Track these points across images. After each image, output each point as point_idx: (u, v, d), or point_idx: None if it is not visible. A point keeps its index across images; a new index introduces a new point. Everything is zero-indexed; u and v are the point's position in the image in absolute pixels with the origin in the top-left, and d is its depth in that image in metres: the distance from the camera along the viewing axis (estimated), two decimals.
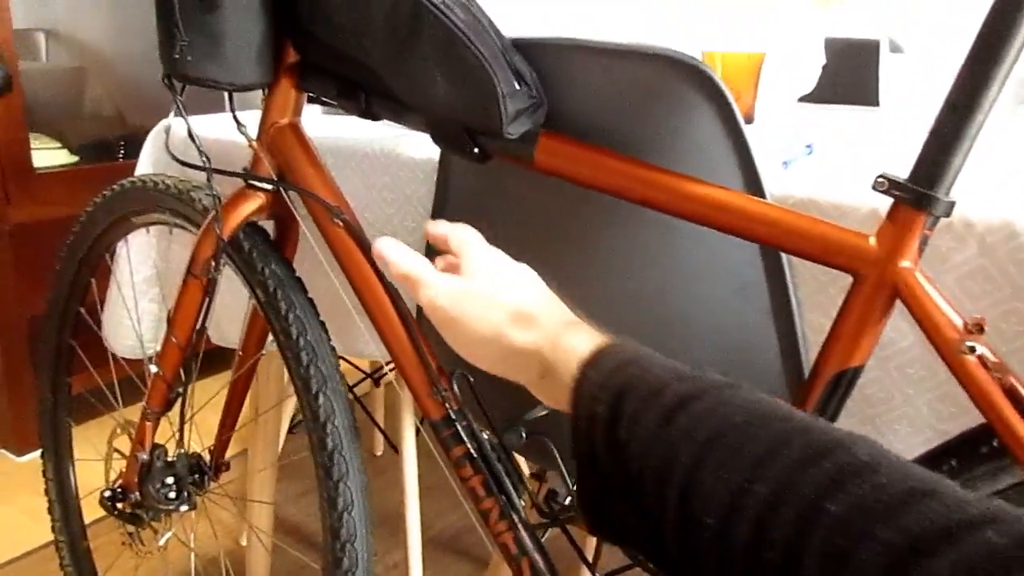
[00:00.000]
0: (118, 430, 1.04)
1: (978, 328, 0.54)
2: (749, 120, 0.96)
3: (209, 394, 1.01)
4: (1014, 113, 1.04)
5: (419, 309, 0.61)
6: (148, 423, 0.96)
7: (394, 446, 1.47)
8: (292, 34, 0.78)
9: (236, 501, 1.34)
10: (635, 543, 0.46)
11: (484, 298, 0.53)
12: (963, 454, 0.57)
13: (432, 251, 0.63)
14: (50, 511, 1.25)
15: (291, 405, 1.53)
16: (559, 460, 0.74)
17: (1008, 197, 0.67)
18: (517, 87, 0.65)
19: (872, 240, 0.57)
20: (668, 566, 0.44)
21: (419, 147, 0.95)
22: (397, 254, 0.57)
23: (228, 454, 1.04)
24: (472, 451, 0.74)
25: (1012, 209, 0.63)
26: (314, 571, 1.44)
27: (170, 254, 1.18)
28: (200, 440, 1.00)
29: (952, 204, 0.54)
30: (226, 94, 0.80)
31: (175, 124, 1.10)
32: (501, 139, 0.66)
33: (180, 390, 0.94)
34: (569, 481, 0.77)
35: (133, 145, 1.99)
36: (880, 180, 0.56)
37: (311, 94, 0.83)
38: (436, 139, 0.74)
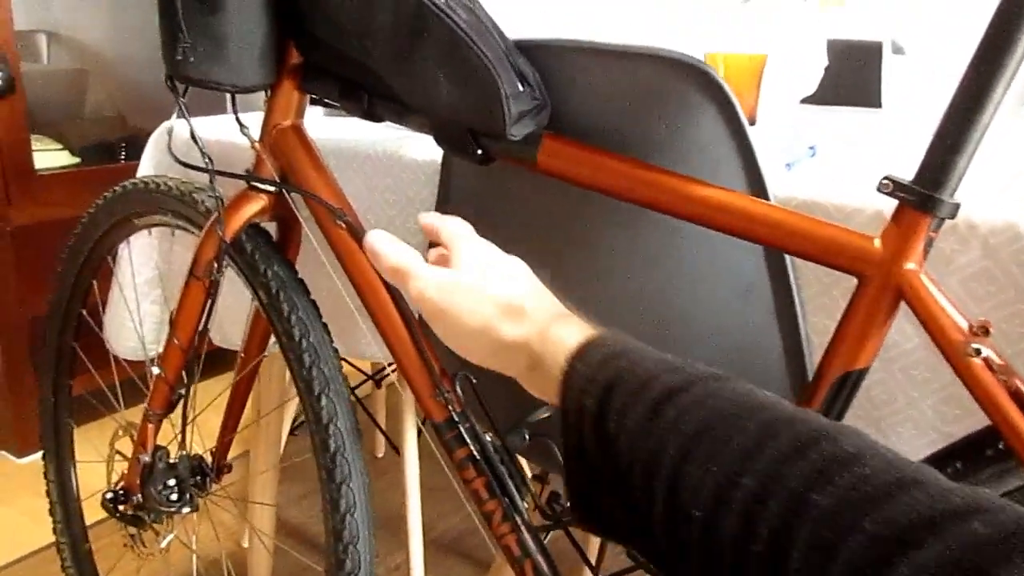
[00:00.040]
0: (120, 432, 1.04)
1: (983, 330, 0.53)
2: (751, 122, 0.96)
3: (210, 396, 1.01)
4: (1017, 115, 1.04)
5: None
6: (150, 425, 0.96)
7: (396, 448, 1.47)
8: (295, 36, 0.78)
9: (238, 503, 1.34)
10: (624, 536, 0.46)
11: (473, 290, 0.52)
12: (968, 457, 0.57)
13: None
14: (51, 513, 1.25)
15: (292, 407, 1.53)
16: (562, 462, 0.74)
17: (1012, 199, 0.67)
18: (520, 88, 0.65)
19: (877, 242, 0.57)
20: (657, 559, 0.44)
21: (421, 149, 0.95)
22: (387, 247, 0.56)
23: (229, 456, 1.04)
24: (475, 453, 0.73)
25: (1016, 211, 0.63)
26: (316, 573, 1.44)
27: (172, 256, 1.18)
28: (202, 442, 1.00)
29: (957, 206, 0.54)
30: (228, 96, 0.80)
31: (177, 126, 1.10)
32: (504, 141, 0.66)
33: (182, 392, 0.94)
34: None
35: (134, 147, 1.99)
36: (885, 182, 0.55)
37: (313, 96, 0.83)
38: (439, 141, 0.74)
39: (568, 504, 0.65)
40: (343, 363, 0.89)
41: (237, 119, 0.81)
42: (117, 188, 0.99)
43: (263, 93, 0.83)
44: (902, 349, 0.68)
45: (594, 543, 1.25)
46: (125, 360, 1.23)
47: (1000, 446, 0.55)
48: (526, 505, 0.73)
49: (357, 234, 0.76)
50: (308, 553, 1.55)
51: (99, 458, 1.08)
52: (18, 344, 1.77)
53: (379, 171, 0.98)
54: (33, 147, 1.74)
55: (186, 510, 0.97)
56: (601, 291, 0.77)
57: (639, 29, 1.32)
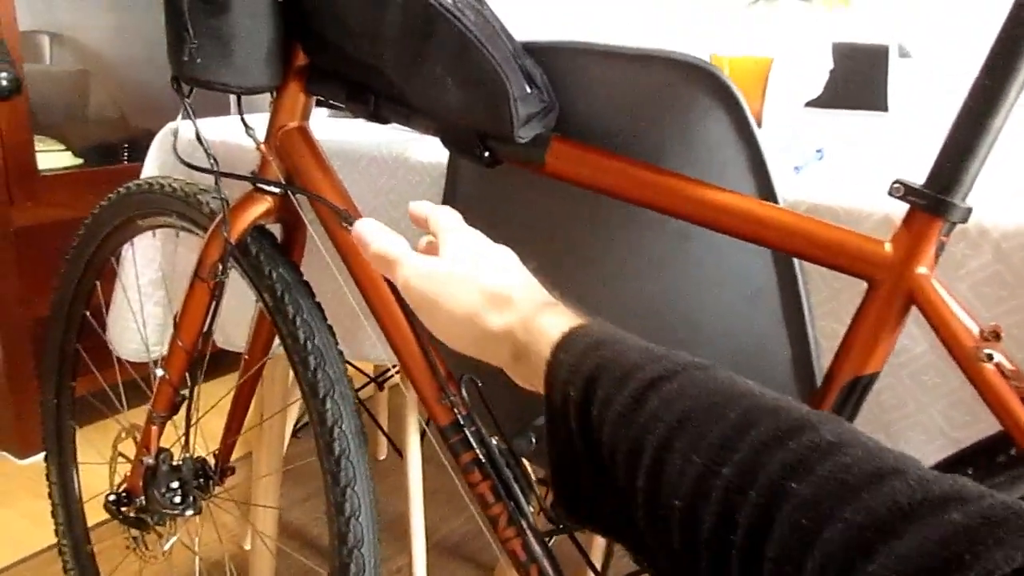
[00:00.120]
0: (122, 434, 1.03)
1: (994, 335, 0.53)
2: (757, 125, 0.95)
3: (213, 397, 1.01)
4: None
5: None
6: (154, 427, 0.96)
7: (399, 451, 1.46)
8: (301, 37, 0.78)
9: (240, 505, 1.34)
10: (609, 526, 0.46)
11: (460, 279, 0.52)
12: (980, 463, 0.56)
13: None
14: (53, 515, 1.25)
15: (295, 409, 1.53)
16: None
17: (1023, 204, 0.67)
18: (528, 90, 0.65)
19: (888, 246, 0.56)
20: (640, 549, 0.44)
21: (427, 151, 0.95)
22: (374, 234, 0.56)
23: (232, 458, 1.04)
24: (481, 457, 0.73)
25: None
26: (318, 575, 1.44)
27: (176, 257, 1.18)
28: (205, 444, 1.00)
29: (969, 210, 0.54)
30: (234, 97, 0.80)
31: (182, 127, 1.10)
32: (512, 143, 0.66)
33: (185, 394, 0.94)
34: None
35: (137, 148, 1.99)
36: (896, 186, 0.55)
37: (320, 97, 0.83)
38: (446, 143, 0.74)
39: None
40: (346, 365, 0.88)
41: (243, 120, 0.81)
42: (121, 189, 0.99)
43: (268, 95, 0.83)
44: (912, 354, 0.67)
45: (598, 547, 1.25)
46: (128, 361, 1.22)
47: (1012, 452, 0.55)
48: (531, 509, 0.73)
49: None
50: (310, 555, 1.54)
51: (101, 460, 1.08)
52: (20, 345, 1.76)
53: (384, 173, 0.98)
54: (36, 148, 1.74)
55: (189, 513, 0.97)
56: (607, 295, 0.77)
57: (642, 31, 1.32)
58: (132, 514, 1.00)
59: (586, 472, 0.45)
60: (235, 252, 0.85)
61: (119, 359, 1.22)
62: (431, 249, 0.56)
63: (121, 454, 1.04)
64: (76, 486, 1.24)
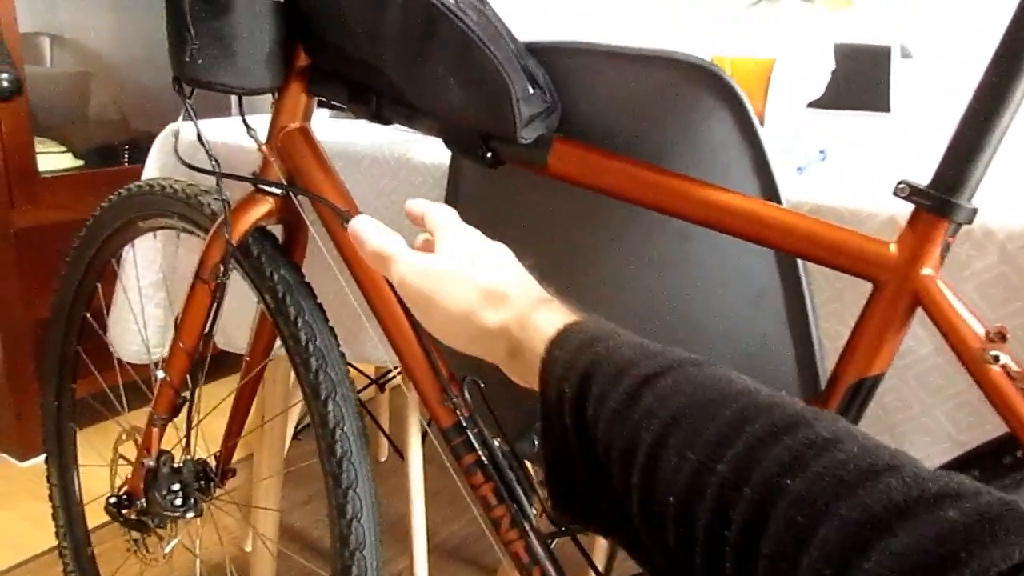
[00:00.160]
0: (123, 436, 1.03)
1: (1000, 337, 0.53)
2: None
3: (213, 399, 1.00)
4: None
5: None
6: (155, 429, 0.95)
7: (400, 452, 1.46)
8: (303, 38, 0.78)
9: (241, 507, 1.34)
10: (604, 524, 0.46)
11: (455, 276, 0.52)
12: (986, 465, 0.56)
13: None
14: (54, 517, 1.24)
15: (296, 411, 1.53)
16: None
17: None
18: (531, 91, 0.65)
19: (893, 247, 0.56)
20: (635, 546, 0.43)
21: (429, 152, 0.95)
22: (370, 231, 0.56)
23: (232, 460, 1.03)
24: (483, 459, 0.73)
25: None
26: None
27: (177, 259, 1.18)
28: (206, 446, 0.99)
29: (975, 211, 0.54)
30: (235, 98, 0.80)
31: (183, 128, 1.10)
32: (514, 144, 0.66)
33: (186, 395, 0.94)
34: None
35: (137, 150, 1.99)
36: (901, 186, 0.55)
37: (321, 98, 0.82)
38: (448, 144, 0.74)
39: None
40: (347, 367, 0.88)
41: (244, 121, 0.81)
42: (122, 191, 0.99)
43: (269, 96, 0.82)
44: (917, 355, 0.67)
45: (601, 549, 1.24)
46: (128, 363, 1.22)
47: (1018, 454, 0.54)
48: (534, 511, 0.73)
49: None
50: (311, 558, 1.54)
51: (102, 462, 1.07)
52: (21, 347, 1.76)
53: (386, 174, 0.97)
54: (36, 150, 1.74)
55: (190, 515, 0.96)
56: (609, 296, 0.77)
57: (644, 32, 1.32)
58: (133, 516, 1.00)
59: (581, 469, 0.45)
60: (236, 253, 0.84)
61: (120, 361, 1.21)
62: (428, 247, 0.56)
63: (122, 456, 1.04)
64: (77, 488, 1.24)
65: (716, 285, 0.70)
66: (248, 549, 1.54)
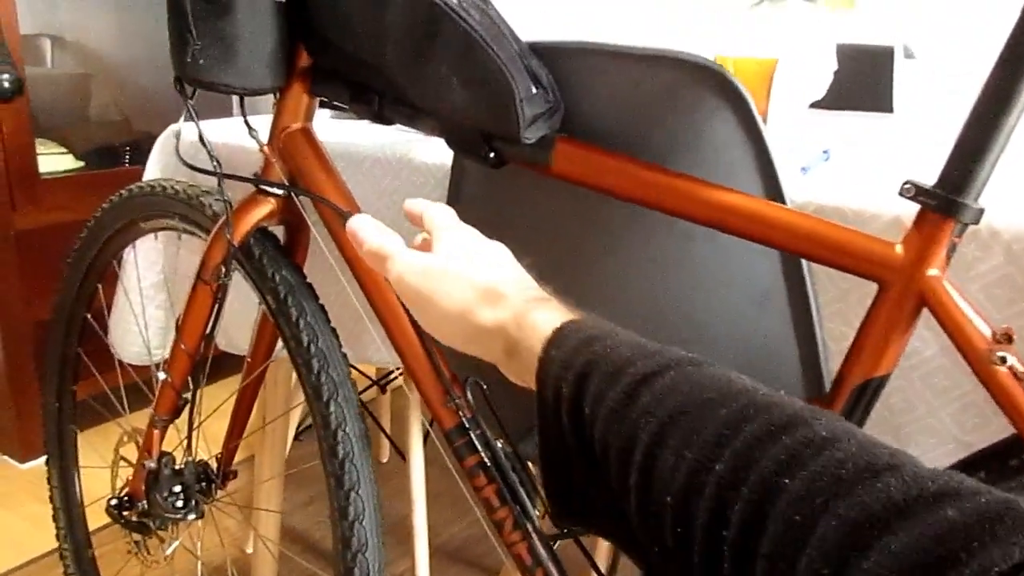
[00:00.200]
0: (124, 437, 1.03)
1: (1007, 338, 0.53)
2: None
3: (215, 401, 1.00)
4: None
5: None
6: (156, 430, 0.95)
7: (401, 453, 1.46)
8: (305, 38, 0.78)
9: (242, 509, 1.33)
10: (601, 524, 0.46)
11: (452, 275, 0.51)
12: (992, 467, 0.56)
13: None
14: (54, 518, 1.24)
15: (297, 412, 1.52)
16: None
17: None
18: (534, 91, 0.64)
19: (899, 247, 0.56)
20: (633, 546, 0.43)
21: (431, 152, 0.94)
22: (368, 230, 0.56)
23: (233, 461, 1.03)
24: (486, 460, 0.73)
25: None
26: None
27: (178, 260, 1.18)
28: (207, 447, 0.99)
29: (981, 211, 0.53)
30: (237, 98, 0.80)
31: (185, 129, 1.09)
32: (517, 144, 0.66)
33: (188, 397, 0.93)
34: None
35: (138, 151, 1.99)
36: (907, 187, 0.55)
37: (323, 98, 0.82)
38: (451, 144, 0.73)
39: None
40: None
41: (246, 122, 0.81)
42: (123, 192, 0.99)
43: (271, 96, 0.82)
44: (922, 356, 0.67)
45: (604, 551, 1.24)
46: (130, 365, 1.22)
47: None
48: (537, 513, 0.72)
49: None
50: (312, 559, 1.54)
51: (102, 463, 1.07)
52: (22, 348, 1.76)
53: (388, 174, 0.97)
54: (37, 151, 1.73)
55: (191, 517, 0.96)
56: (612, 296, 0.77)
57: (645, 32, 1.31)
58: (134, 518, 0.99)
59: (578, 469, 0.44)
60: (238, 254, 0.84)
61: (121, 362, 1.21)
62: (426, 246, 0.56)
63: (123, 458, 1.04)
64: (77, 490, 1.23)
65: (720, 286, 0.70)
66: (249, 551, 1.53)
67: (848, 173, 0.82)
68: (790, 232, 0.59)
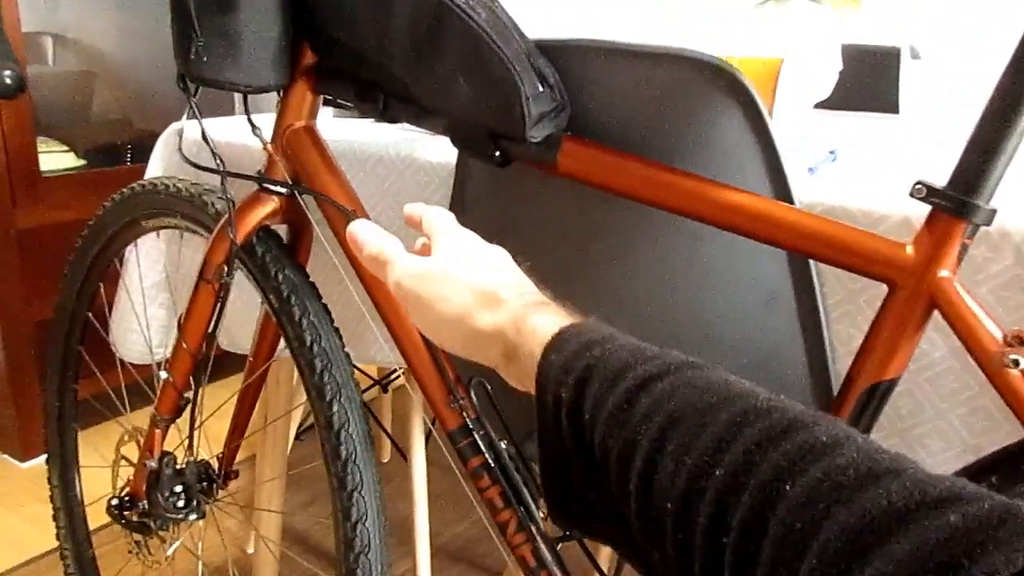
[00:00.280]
0: (125, 437, 1.02)
1: (1018, 340, 0.52)
2: None
3: (216, 400, 1.00)
4: None
5: None
6: (157, 430, 0.95)
7: (403, 454, 1.45)
8: (309, 36, 0.77)
9: (243, 509, 1.33)
10: (601, 529, 0.45)
11: (450, 279, 0.51)
12: (1004, 471, 0.55)
13: None
14: (55, 518, 1.23)
15: (298, 412, 1.52)
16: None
17: None
18: (540, 89, 0.64)
19: (909, 249, 0.55)
20: (634, 551, 0.43)
21: (436, 151, 0.94)
22: (369, 235, 0.56)
23: (235, 461, 1.03)
24: (490, 461, 0.72)
25: None
26: None
27: (180, 259, 1.17)
28: (208, 447, 0.98)
29: (993, 212, 0.53)
30: (240, 96, 0.79)
31: (187, 127, 1.09)
32: (523, 143, 0.65)
33: (189, 396, 0.93)
34: None
35: (140, 149, 1.98)
36: (918, 187, 0.54)
37: (327, 96, 0.82)
38: (456, 142, 0.73)
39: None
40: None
41: (249, 120, 0.80)
42: (126, 190, 0.98)
43: (274, 94, 0.82)
44: (931, 358, 0.66)
45: (606, 554, 1.24)
46: (131, 364, 1.21)
47: None
48: (541, 514, 0.72)
49: None
50: (313, 560, 1.53)
51: (103, 463, 1.07)
52: (23, 347, 1.76)
53: (392, 173, 0.97)
54: (39, 149, 1.73)
55: (193, 517, 0.96)
56: (617, 297, 0.76)
57: (648, 31, 1.31)
58: (135, 518, 0.99)
59: (578, 474, 0.44)
60: (241, 253, 0.84)
61: (122, 361, 1.21)
62: (426, 251, 0.56)
63: (124, 457, 1.03)
64: (78, 489, 1.23)
65: (727, 286, 0.70)
66: (251, 551, 1.53)
67: (855, 174, 0.81)
68: (798, 232, 0.59)
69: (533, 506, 0.72)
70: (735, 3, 1.18)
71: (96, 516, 1.16)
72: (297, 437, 1.65)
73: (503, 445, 0.73)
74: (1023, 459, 0.54)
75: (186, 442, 0.95)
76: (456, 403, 0.73)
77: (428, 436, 1.42)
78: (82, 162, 1.93)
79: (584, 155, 0.66)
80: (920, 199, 0.54)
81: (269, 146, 0.81)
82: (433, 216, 0.57)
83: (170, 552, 1.01)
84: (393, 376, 1.76)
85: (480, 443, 0.72)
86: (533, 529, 0.71)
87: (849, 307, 0.70)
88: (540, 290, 0.52)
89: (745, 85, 0.62)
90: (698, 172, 0.63)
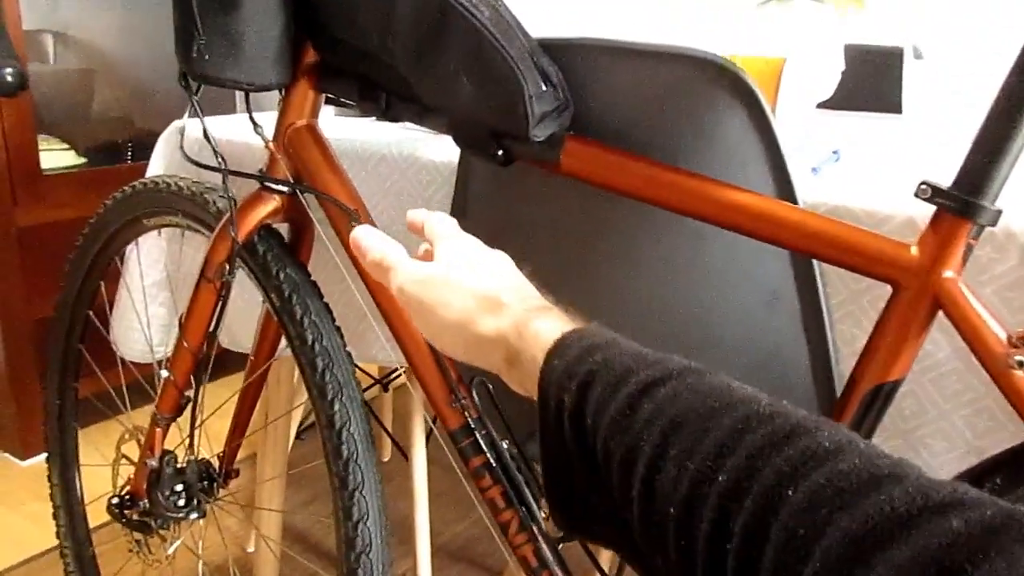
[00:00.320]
0: (126, 435, 1.02)
1: (1023, 341, 0.52)
2: None
3: (217, 399, 1.00)
4: None
5: None
6: (158, 429, 0.94)
7: (404, 453, 1.45)
8: (311, 34, 0.77)
9: (244, 508, 1.33)
10: (604, 535, 0.46)
11: (452, 284, 0.52)
12: (1008, 472, 0.55)
13: None
14: (55, 516, 1.23)
15: (299, 411, 1.52)
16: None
17: None
18: (544, 88, 0.64)
19: (914, 249, 0.55)
20: (636, 556, 0.43)
21: (438, 150, 0.94)
22: (372, 241, 0.56)
23: (235, 460, 1.03)
24: (491, 461, 0.72)
25: None
26: None
27: (181, 257, 1.17)
28: (209, 446, 0.98)
29: (999, 213, 0.53)
30: (242, 94, 0.79)
31: (189, 125, 1.09)
32: (526, 142, 0.65)
33: (190, 395, 0.93)
34: None
35: (141, 148, 1.98)
36: (923, 187, 0.54)
37: (329, 95, 0.81)
38: (458, 141, 0.73)
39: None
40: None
41: (251, 118, 0.80)
42: (127, 188, 0.98)
43: (276, 93, 0.81)
44: (934, 359, 0.66)
45: (608, 553, 1.24)
46: (132, 362, 1.21)
47: None
48: (543, 515, 0.72)
49: None
50: (313, 559, 1.53)
51: (103, 461, 1.06)
52: (23, 345, 1.75)
53: (394, 172, 0.96)
54: (40, 147, 1.73)
55: (193, 516, 0.96)
56: (620, 296, 0.76)
57: (650, 31, 1.31)
58: (135, 517, 0.99)
59: (580, 478, 0.44)
60: (242, 252, 0.84)
61: (123, 360, 1.20)
62: (428, 257, 0.56)
63: (124, 456, 1.03)
64: (78, 488, 1.23)
65: (730, 286, 0.69)
66: (251, 550, 1.53)
67: (860, 174, 0.81)
68: (802, 232, 0.59)
69: (535, 506, 0.72)
70: (738, 2, 1.17)
71: (96, 514, 1.16)
72: (298, 436, 1.65)
73: (505, 445, 0.73)
74: None
75: (187, 441, 0.95)
76: (458, 402, 0.73)
77: (429, 435, 1.42)
78: (83, 160, 1.93)
79: (587, 154, 0.66)
80: (925, 199, 0.54)
81: (271, 144, 0.81)
82: (435, 222, 0.57)
83: (171, 551, 1.01)
84: (394, 375, 1.76)
85: (482, 443, 0.72)
86: (535, 529, 0.71)
87: (852, 308, 0.69)
88: (542, 294, 0.52)
89: (748, 84, 0.61)
90: (701, 171, 0.63)
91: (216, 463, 0.99)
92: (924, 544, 0.27)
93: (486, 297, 0.50)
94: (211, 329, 0.88)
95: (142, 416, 1.00)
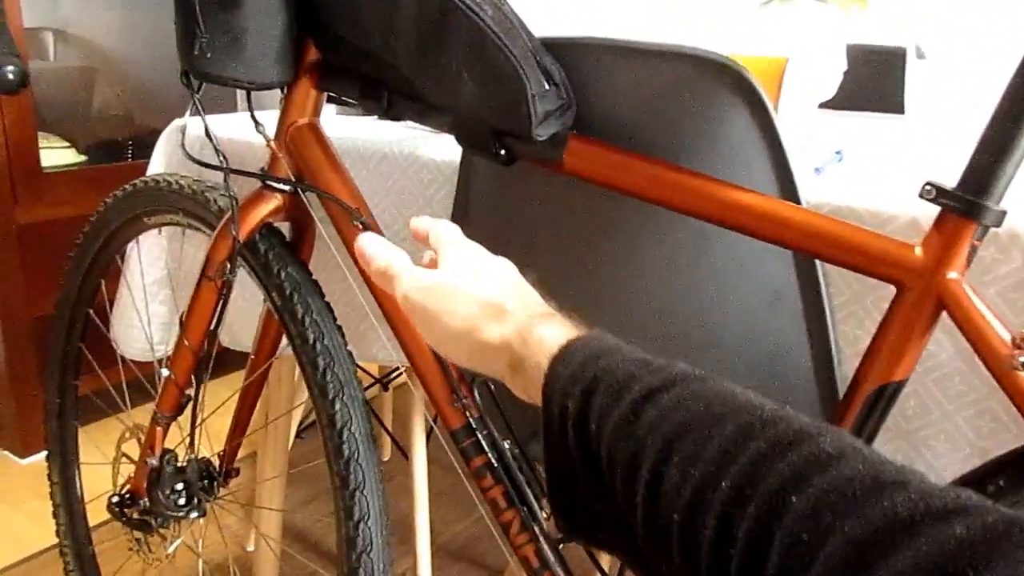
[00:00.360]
0: (126, 434, 1.02)
1: None
2: None
3: (218, 398, 0.99)
4: None
5: None
6: (158, 427, 0.94)
7: (404, 452, 1.45)
8: (313, 32, 0.77)
9: (244, 507, 1.33)
10: (607, 540, 0.46)
11: (456, 291, 0.52)
12: (1011, 473, 0.55)
13: None
14: (55, 515, 1.23)
15: (299, 410, 1.51)
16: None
17: None
18: (546, 88, 0.63)
19: (918, 250, 0.55)
20: (640, 562, 0.43)
21: (440, 149, 0.93)
22: (376, 249, 0.56)
23: (235, 459, 1.02)
24: (493, 461, 0.72)
25: None
26: None
27: (182, 256, 1.17)
28: (209, 445, 0.98)
29: (1003, 214, 0.53)
30: (243, 93, 0.79)
31: (190, 123, 1.08)
32: (529, 141, 0.65)
33: (191, 394, 0.93)
34: None
35: (142, 146, 1.98)
36: (928, 188, 0.54)
37: (331, 93, 0.81)
38: (461, 140, 0.73)
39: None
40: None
41: (253, 117, 0.80)
42: (128, 186, 0.98)
43: (277, 91, 0.81)
44: (937, 360, 0.66)
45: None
46: (132, 361, 1.21)
47: None
48: (544, 515, 0.72)
49: None
50: (314, 558, 1.53)
51: (103, 460, 1.06)
52: (23, 343, 1.75)
53: (396, 171, 0.96)
54: (40, 145, 1.73)
55: (194, 515, 0.95)
56: (622, 296, 0.76)
57: (652, 30, 1.30)
58: (135, 516, 0.99)
59: (584, 484, 0.44)
60: (243, 250, 0.83)
61: (123, 358, 1.20)
62: (433, 264, 0.56)
63: (125, 454, 1.03)
64: (78, 486, 1.23)
65: (732, 286, 0.69)
66: (251, 549, 1.53)
67: (863, 174, 0.81)
68: (805, 232, 0.59)
69: (536, 506, 0.72)
70: (740, 2, 1.17)
71: (96, 513, 1.15)
72: (298, 435, 1.65)
73: (506, 445, 0.73)
74: None
75: (187, 439, 0.95)
76: (459, 402, 0.73)
77: (429, 434, 1.42)
78: (83, 158, 1.93)
79: (590, 154, 0.65)
80: (930, 200, 0.54)
81: (272, 143, 0.81)
82: (440, 229, 0.57)
83: (171, 550, 1.01)
84: (394, 374, 1.76)
85: (483, 443, 0.72)
86: (536, 529, 0.71)
87: (855, 308, 0.69)
88: (546, 301, 0.52)
89: (751, 83, 0.61)
90: (704, 171, 0.62)
91: (216, 462, 0.99)
92: (927, 550, 0.27)
93: (490, 304, 0.51)
94: (212, 328, 0.88)
95: (142, 414, 1.00)
